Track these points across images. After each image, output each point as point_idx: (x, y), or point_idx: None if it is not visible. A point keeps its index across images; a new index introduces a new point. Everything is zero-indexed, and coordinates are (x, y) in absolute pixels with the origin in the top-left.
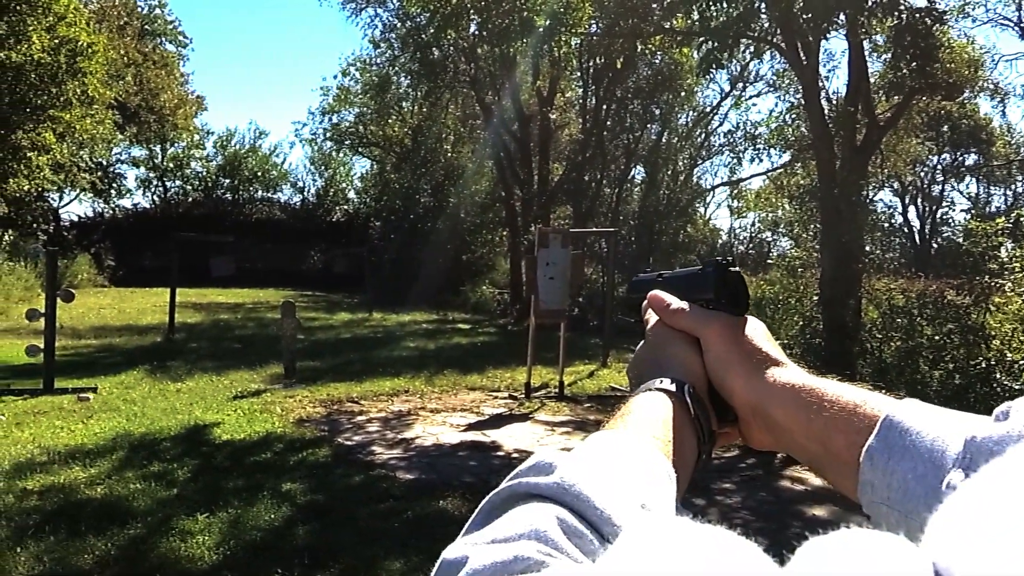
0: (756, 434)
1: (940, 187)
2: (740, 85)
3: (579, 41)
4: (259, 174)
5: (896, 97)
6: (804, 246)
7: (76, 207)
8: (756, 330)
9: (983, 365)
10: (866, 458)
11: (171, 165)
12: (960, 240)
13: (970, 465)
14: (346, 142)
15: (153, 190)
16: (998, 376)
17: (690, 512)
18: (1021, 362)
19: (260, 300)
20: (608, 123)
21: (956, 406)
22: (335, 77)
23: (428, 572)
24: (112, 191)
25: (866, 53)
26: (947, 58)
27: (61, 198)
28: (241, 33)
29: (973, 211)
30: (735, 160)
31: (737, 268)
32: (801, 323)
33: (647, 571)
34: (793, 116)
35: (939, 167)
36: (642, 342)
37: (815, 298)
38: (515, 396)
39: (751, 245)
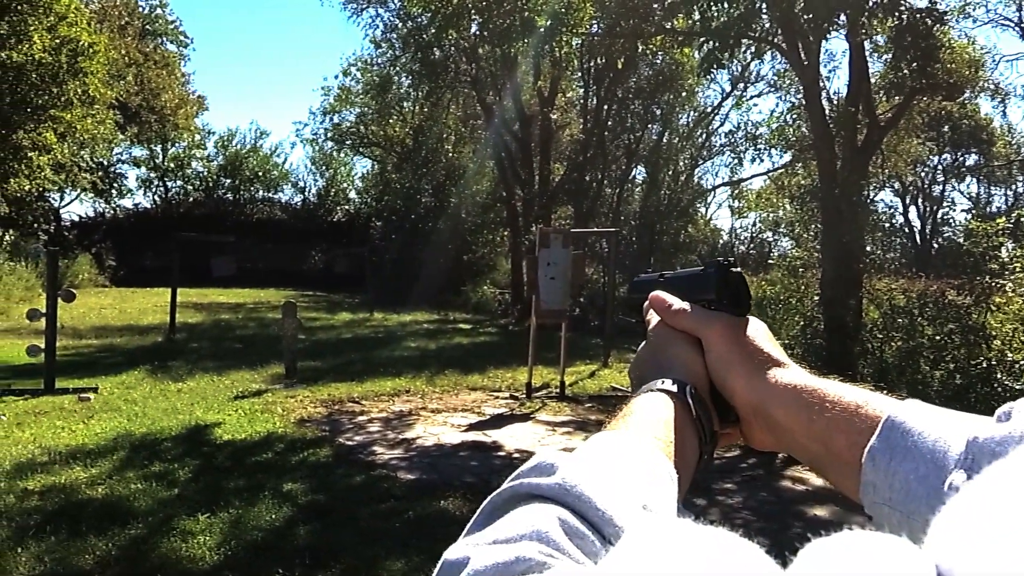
0: (757, 434)
1: (941, 187)
2: (741, 85)
3: (580, 41)
4: (260, 174)
5: (897, 97)
6: (805, 246)
7: (77, 207)
8: (757, 331)
9: (984, 365)
10: (868, 459)
11: (172, 165)
12: (961, 240)
13: (972, 466)
14: (347, 142)
15: (154, 190)
16: (999, 376)
17: (691, 512)
18: (1022, 362)
19: (261, 300)
20: (609, 123)
21: (957, 406)
22: (336, 77)
23: (429, 572)
24: (113, 191)
25: (867, 53)
26: (948, 58)
27: (62, 198)
28: (242, 33)
29: (974, 211)
30: (736, 160)
31: (738, 268)
32: (802, 323)
33: (649, 572)
34: (794, 116)
35: (940, 167)
36: (643, 343)
37: (816, 298)
38: (516, 396)
39: (752, 245)
